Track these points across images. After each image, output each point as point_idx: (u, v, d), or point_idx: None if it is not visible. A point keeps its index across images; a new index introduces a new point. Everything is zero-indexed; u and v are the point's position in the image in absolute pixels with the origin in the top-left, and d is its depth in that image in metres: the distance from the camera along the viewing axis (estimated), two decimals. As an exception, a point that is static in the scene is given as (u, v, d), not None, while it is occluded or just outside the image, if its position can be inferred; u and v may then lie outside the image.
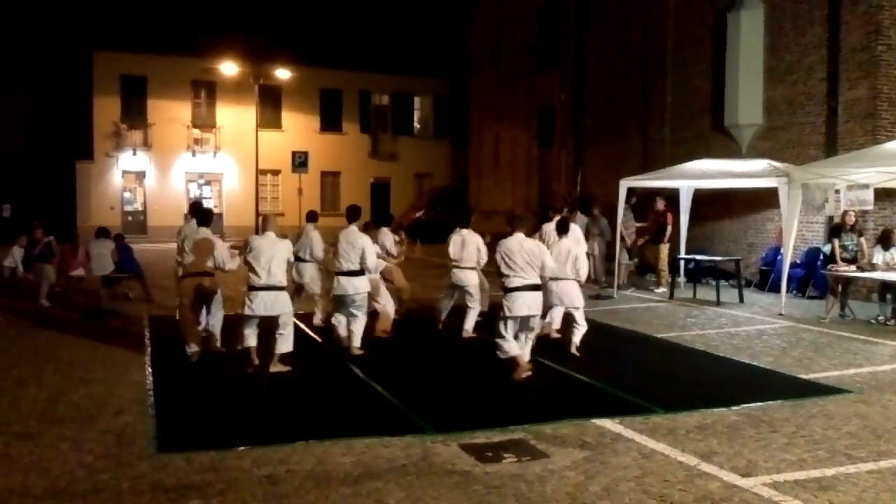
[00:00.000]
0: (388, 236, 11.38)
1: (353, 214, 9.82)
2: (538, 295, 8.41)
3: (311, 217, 11.64)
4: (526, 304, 8.26)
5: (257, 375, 8.52)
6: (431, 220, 30.92)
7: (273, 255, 8.52)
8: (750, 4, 16.79)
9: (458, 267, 10.66)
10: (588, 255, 17.46)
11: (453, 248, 10.66)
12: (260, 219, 9.39)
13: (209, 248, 9.11)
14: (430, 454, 5.95)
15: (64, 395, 7.67)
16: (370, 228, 10.96)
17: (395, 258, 11.42)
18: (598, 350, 10.25)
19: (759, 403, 7.36)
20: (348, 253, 9.38)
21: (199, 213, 10.00)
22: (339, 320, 9.81)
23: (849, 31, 14.75)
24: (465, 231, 10.73)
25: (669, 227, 16.13)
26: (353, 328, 9.53)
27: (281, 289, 8.64)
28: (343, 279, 9.44)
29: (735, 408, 7.22)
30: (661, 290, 15.68)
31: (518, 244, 8.31)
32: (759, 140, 16.83)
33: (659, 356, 9.91)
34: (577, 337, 9.59)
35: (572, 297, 9.57)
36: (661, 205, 16.30)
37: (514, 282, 8.22)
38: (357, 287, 9.43)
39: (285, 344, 8.67)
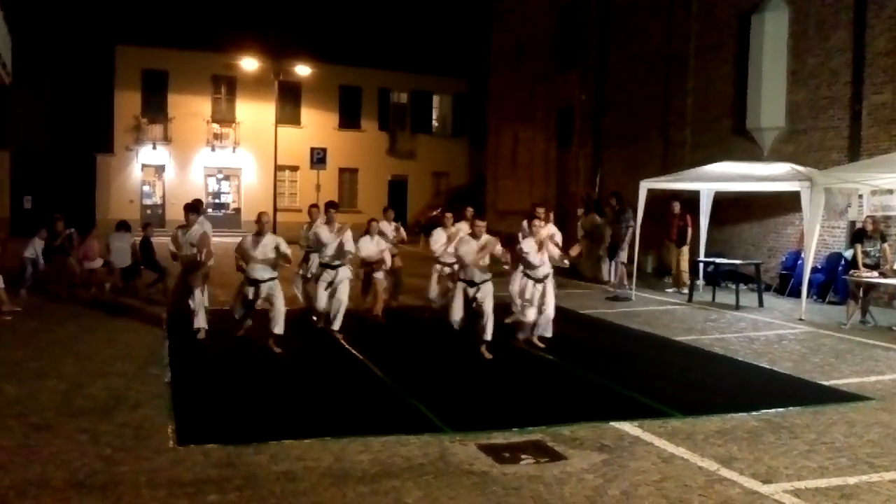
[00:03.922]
0: (388, 226, 12.29)
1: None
2: None
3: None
4: None
5: (275, 370, 8.55)
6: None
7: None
8: (774, 7, 16.63)
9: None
10: (599, 256, 17.65)
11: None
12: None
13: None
14: (447, 454, 5.92)
15: (82, 388, 7.70)
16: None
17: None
18: (616, 352, 10.23)
19: (779, 409, 7.29)
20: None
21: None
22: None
23: (874, 35, 14.58)
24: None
25: (690, 230, 16.06)
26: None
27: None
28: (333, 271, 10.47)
29: (755, 413, 7.16)
30: (684, 291, 15.54)
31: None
32: (782, 144, 16.68)
33: (678, 359, 9.82)
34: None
35: None
36: (677, 208, 16.19)
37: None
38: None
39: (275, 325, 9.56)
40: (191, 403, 7.22)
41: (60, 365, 8.70)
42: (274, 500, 4.99)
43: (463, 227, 11.30)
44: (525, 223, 11.46)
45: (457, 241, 10.06)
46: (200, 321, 10.14)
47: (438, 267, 11.62)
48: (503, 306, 10.40)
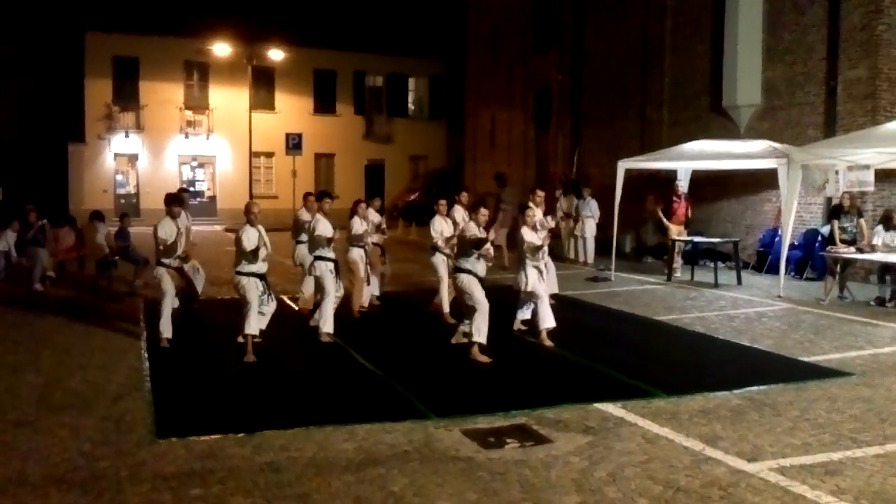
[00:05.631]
0: (374, 215, 11.73)
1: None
2: None
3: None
4: None
5: (256, 359, 8.45)
6: (426, 203, 30.72)
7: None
8: (749, -17, 16.62)
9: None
10: (578, 236, 17.66)
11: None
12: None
13: None
14: (432, 440, 5.89)
15: (61, 382, 7.59)
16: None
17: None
18: (598, 333, 10.24)
19: (761, 387, 7.32)
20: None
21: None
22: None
23: (849, 10, 14.61)
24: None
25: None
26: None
27: None
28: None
29: (738, 391, 7.18)
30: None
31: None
32: (758, 121, 16.72)
33: (659, 339, 9.86)
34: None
35: None
36: (682, 188, 16.06)
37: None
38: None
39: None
40: (171, 395, 7.12)
41: (38, 359, 8.58)
42: (258, 492, 4.93)
43: (458, 212, 11.08)
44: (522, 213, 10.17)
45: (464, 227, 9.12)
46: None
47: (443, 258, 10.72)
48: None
